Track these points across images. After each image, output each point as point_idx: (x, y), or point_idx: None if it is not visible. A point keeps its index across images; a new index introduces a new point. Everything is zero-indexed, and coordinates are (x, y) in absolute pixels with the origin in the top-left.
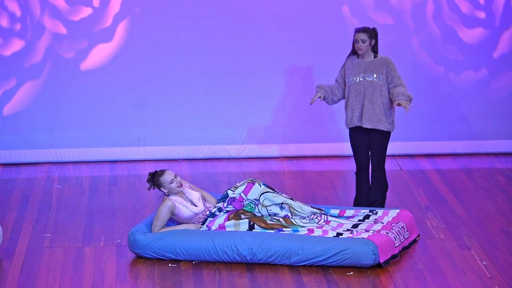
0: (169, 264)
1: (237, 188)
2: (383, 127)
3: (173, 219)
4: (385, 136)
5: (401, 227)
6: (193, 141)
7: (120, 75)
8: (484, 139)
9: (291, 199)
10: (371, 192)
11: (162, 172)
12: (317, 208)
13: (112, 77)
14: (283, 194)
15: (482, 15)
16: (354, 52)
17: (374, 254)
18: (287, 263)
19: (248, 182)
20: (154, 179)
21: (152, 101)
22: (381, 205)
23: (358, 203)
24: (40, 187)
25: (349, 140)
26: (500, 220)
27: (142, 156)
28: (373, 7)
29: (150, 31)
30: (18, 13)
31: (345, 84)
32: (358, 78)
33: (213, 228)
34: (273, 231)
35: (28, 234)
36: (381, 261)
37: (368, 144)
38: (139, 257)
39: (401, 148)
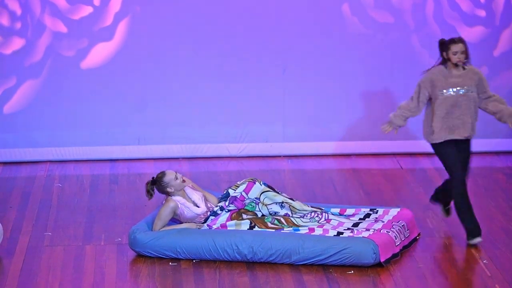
0: (170, 263)
1: (238, 187)
2: (473, 136)
3: (175, 219)
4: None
5: (402, 226)
6: (193, 139)
7: (120, 74)
8: (484, 137)
9: (291, 199)
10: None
11: (162, 174)
12: (317, 208)
13: (113, 76)
14: (283, 194)
15: (482, 13)
16: (444, 62)
17: (375, 253)
18: (287, 262)
19: (248, 181)
20: (158, 183)
21: (152, 100)
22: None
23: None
24: (40, 186)
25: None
26: (500, 218)
27: (142, 155)
28: (374, 5)
29: (150, 30)
30: (19, 11)
31: (430, 99)
32: (451, 91)
33: (214, 227)
34: (273, 231)
35: (28, 232)
36: (382, 260)
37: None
38: (139, 256)
39: (401, 146)
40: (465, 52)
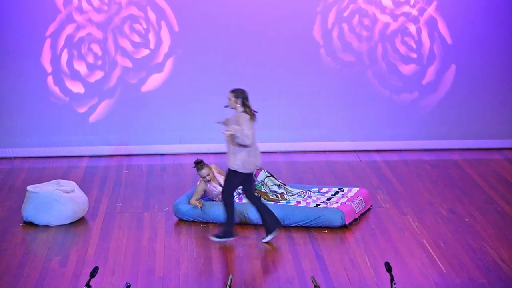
0: (201, 225)
1: None
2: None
3: (205, 195)
4: None
5: (360, 200)
6: (216, 140)
7: (167, 95)
8: (413, 139)
9: (284, 184)
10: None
11: (202, 166)
12: (302, 190)
13: (162, 96)
14: (280, 180)
15: (414, 55)
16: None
17: (342, 218)
18: (282, 225)
19: (257, 169)
20: (198, 167)
21: (189, 112)
22: None
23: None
24: (113, 172)
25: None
26: (426, 195)
27: (182, 151)
28: (341, 49)
29: (188, 65)
30: (100, 53)
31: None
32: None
33: (237, 201)
34: (272, 203)
35: (105, 203)
36: (346, 223)
37: None
38: (181, 220)
39: (360, 146)
40: (231, 100)
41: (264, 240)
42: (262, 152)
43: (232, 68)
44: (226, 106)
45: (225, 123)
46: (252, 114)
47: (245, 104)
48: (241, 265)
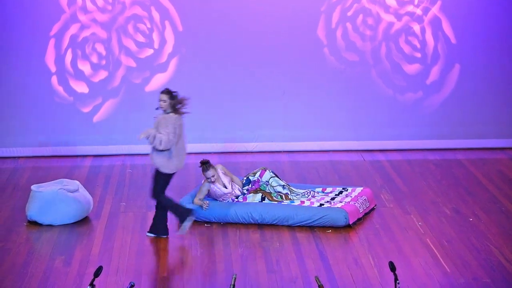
0: (205, 224)
1: (255, 174)
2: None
3: (209, 195)
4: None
5: (364, 199)
6: (222, 140)
7: None
8: (417, 139)
9: (288, 184)
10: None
11: (208, 167)
12: (306, 190)
13: None
14: (283, 180)
15: (418, 55)
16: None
17: (346, 218)
18: (286, 224)
19: (262, 169)
20: (203, 167)
21: (193, 111)
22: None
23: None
24: (117, 171)
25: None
26: (430, 194)
27: (188, 150)
28: (345, 49)
29: (192, 64)
30: (104, 53)
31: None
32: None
33: (241, 200)
34: (276, 203)
35: (109, 203)
36: (350, 222)
37: None
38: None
39: (363, 145)
40: (166, 101)
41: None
42: (266, 152)
43: (236, 67)
44: (157, 108)
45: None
46: (180, 113)
47: (175, 108)
48: (245, 265)
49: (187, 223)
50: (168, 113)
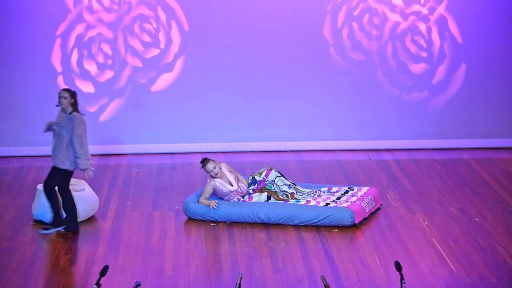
0: (211, 224)
1: (261, 173)
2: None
3: (214, 194)
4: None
5: (370, 199)
6: (227, 139)
7: (177, 94)
8: (423, 138)
9: (294, 183)
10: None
11: (206, 161)
12: (312, 189)
13: (172, 96)
14: (289, 179)
15: (424, 54)
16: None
17: (351, 217)
18: (291, 224)
19: (267, 169)
20: (203, 164)
21: (200, 112)
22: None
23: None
24: (123, 171)
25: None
26: (436, 194)
27: (192, 150)
28: (351, 48)
29: (198, 64)
30: (110, 53)
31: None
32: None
33: (247, 200)
34: (282, 202)
35: (115, 202)
36: (356, 222)
37: None
38: (190, 219)
39: (369, 145)
40: (67, 98)
41: (41, 230)
42: (272, 151)
43: (242, 67)
44: (58, 106)
45: (50, 124)
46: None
47: (74, 106)
48: (250, 264)
49: (53, 231)
50: (70, 112)
